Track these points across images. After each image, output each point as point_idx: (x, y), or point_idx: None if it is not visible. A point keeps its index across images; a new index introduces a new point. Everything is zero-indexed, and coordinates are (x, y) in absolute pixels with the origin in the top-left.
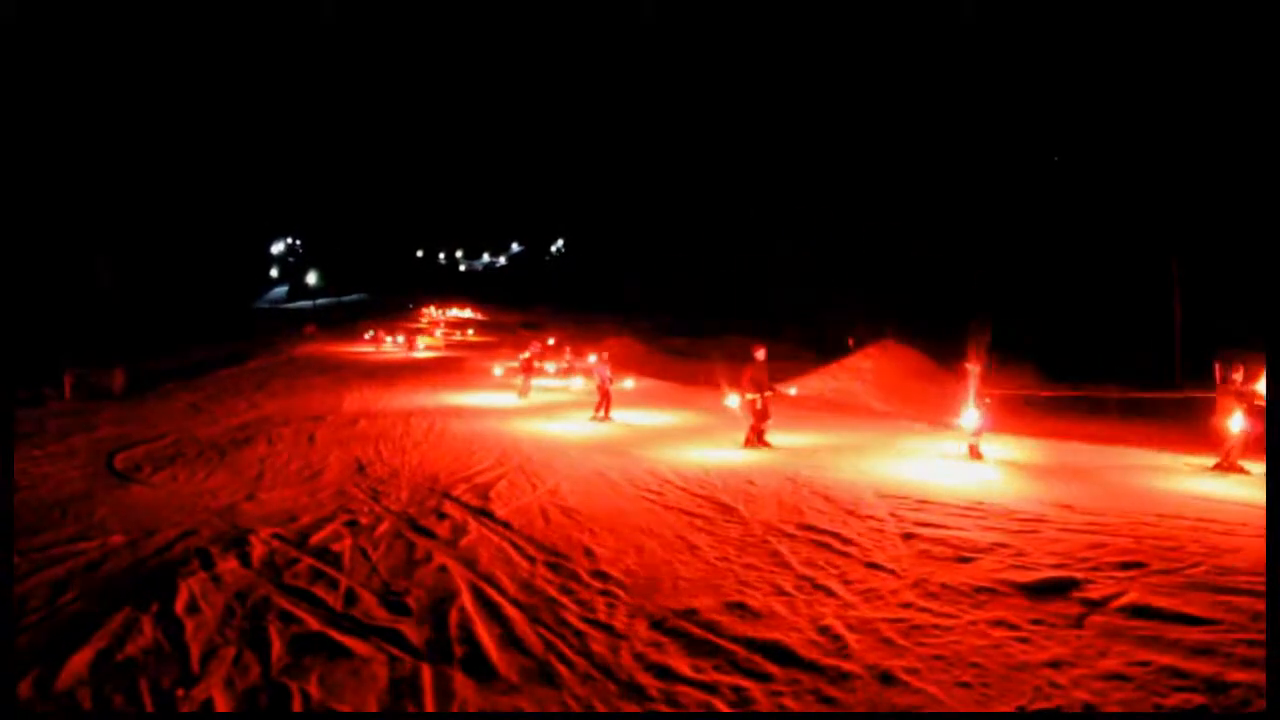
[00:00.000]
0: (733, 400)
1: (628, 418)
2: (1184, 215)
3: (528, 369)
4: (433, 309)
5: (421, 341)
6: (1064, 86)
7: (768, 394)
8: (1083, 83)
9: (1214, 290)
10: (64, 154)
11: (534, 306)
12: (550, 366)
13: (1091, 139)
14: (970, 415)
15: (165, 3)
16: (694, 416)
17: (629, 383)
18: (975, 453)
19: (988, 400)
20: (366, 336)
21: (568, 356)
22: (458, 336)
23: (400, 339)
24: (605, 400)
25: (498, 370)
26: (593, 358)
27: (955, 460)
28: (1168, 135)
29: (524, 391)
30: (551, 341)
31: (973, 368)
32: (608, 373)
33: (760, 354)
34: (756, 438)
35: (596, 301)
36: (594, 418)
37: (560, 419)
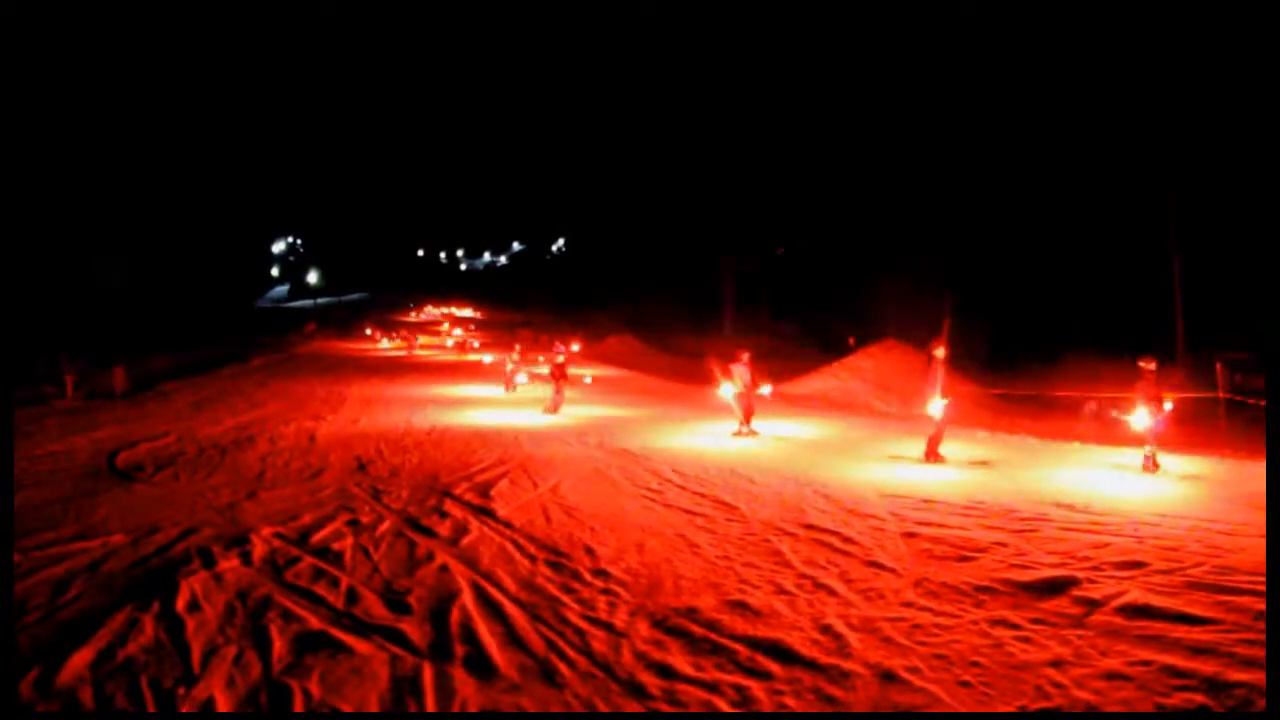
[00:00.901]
0: (728, 391)
1: (624, 415)
2: (1182, 215)
3: (560, 375)
4: (432, 307)
5: (421, 340)
6: (1063, 85)
7: (753, 391)
8: (1082, 82)
9: (1213, 290)
10: (65, 153)
11: (534, 306)
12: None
13: (1091, 139)
14: (1141, 415)
15: (167, 3)
16: (691, 412)
17: (587, 377)
18: (1152, 463)
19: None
20: (366, 334)
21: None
22: (458, 334)
23: (399, 338)
24: (559, 388)
25: (510, 368)
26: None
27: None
28: (1167, 136)
29: (554, 407)
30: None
31: (939, 353)
32: (560, 360)
33: (745, 357)
34: (747, 428)
35: (598, 300)
36: (545, 409)
37: (561, 417)
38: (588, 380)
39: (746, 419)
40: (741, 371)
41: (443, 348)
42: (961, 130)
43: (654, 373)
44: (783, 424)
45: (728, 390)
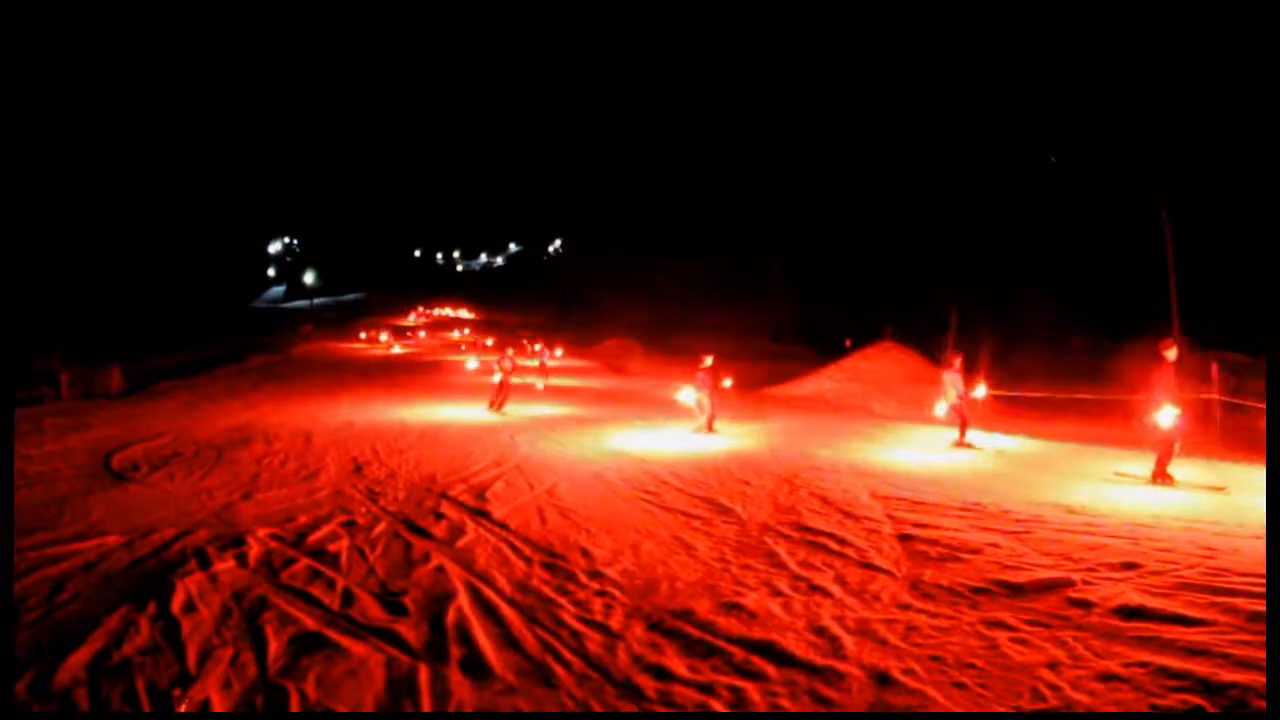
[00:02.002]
0: (688, 395)
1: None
2: (1181, 213)
3: (713, 379)
4: (429, 308)
5: (418, 338)
6: (1063, 85)
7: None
8: (1082, 82)
9: (1212, 289)
10: (61, 152)
11: (532, 307)
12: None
13: (1090, 141)
14: (1166, 414)
15: (166, 3)
16: (688, 414)
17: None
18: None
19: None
20: (361, 336)
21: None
22: (456, 335)
23: (391, 337)
24: (503, 390)
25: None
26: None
27: (947, 455)
28: (1163, 135)
29: (705, 423)
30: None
31: (1170, 354)
32: (511, 364)
33: (709, 360)
34: (709, 425)
35: (595, 301)
36: (490, 408)
37: (556, 421)
38: (540, 387)
39: (709, 423)
40: (704, 377)
41: (439, 348)
42: (960, 129)
43: (644, 375)
44: (780, 425)
45: (688, 395)
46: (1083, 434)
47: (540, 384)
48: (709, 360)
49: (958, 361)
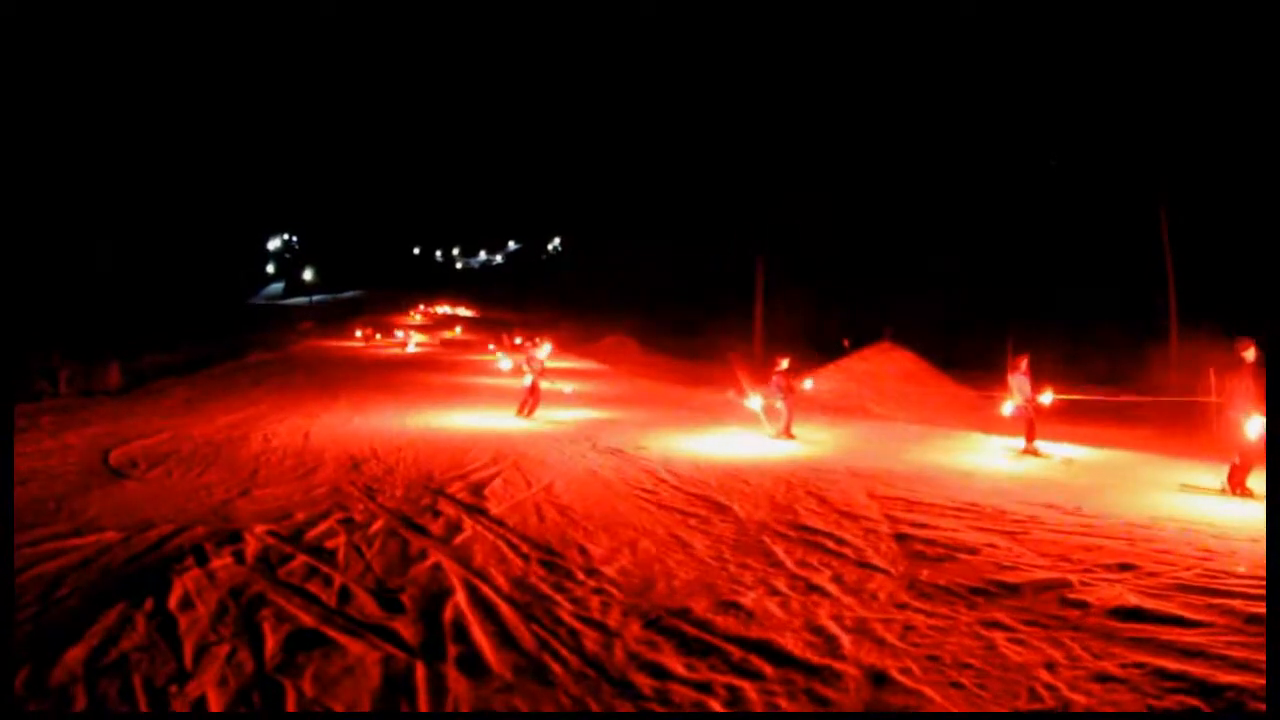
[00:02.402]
0: (757, 402)
1: (618, 417)
2: (1179, 211)
3: (789, 382)
4: (429, 306)
5: (415, 338)
6: (1063, 87)
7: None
8: (1082, 82)
9: (1209, 287)
10: (60, 148)
11: (531, 305)
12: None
13: (1089, 142)
14: (1255, 424)
15: (162, 3)
16: (687, 414)
17: (567, 388)
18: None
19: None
20: (358, 335)
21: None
22: (449, 335)
23: (397, 334)
24: (533, 397)
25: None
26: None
27: (946, 457)
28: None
29: (783, 427)
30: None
31: (1249, 354)
32: (538, 365)
33: (785, 363)
34: (786, 430)
35: (594, 300)
36: (519, 414)
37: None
38: (567, 390)
39: (786, 428)
40: (779, 381)
41: (438, 345)
42: (959, 130)
43: (651, 375)
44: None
45: (756, 401)
46: (1139, 441)
47: (568, 388)
48: (785, 363)
49: (1024, 363)
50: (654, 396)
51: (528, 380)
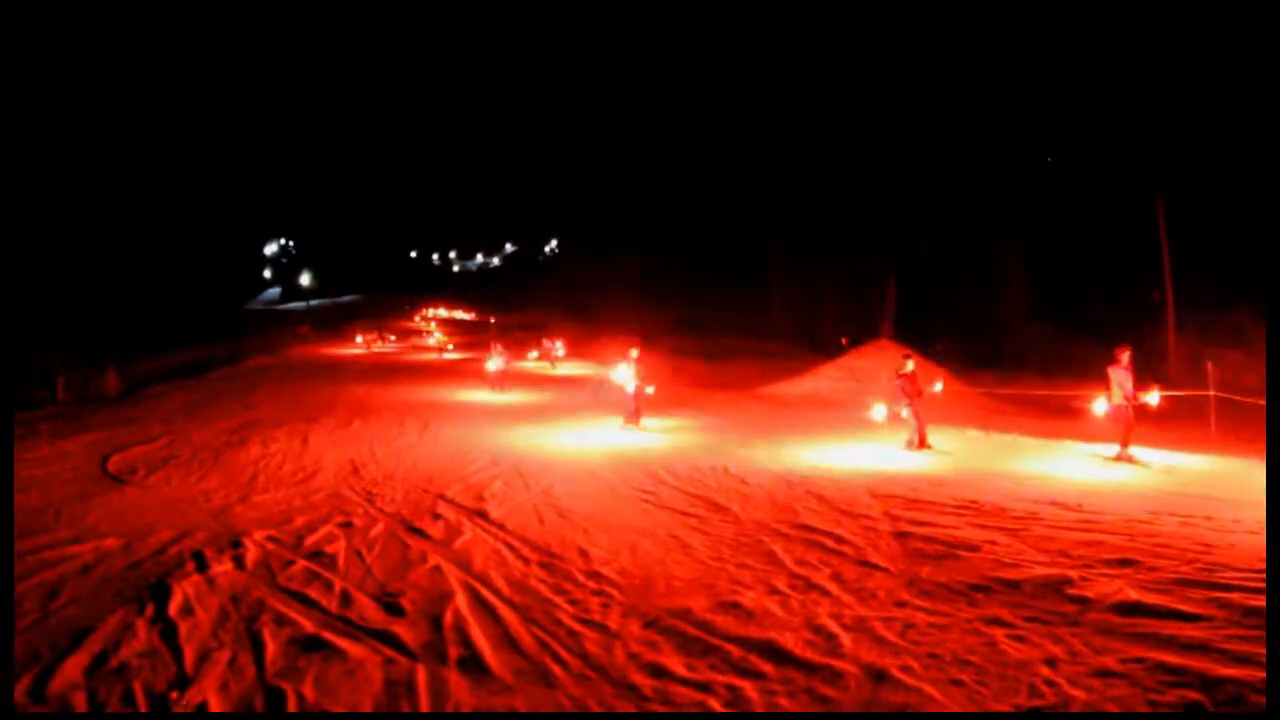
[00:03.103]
0: (879, 412)
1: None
2: (1178, 209)
3: (916, 385)
4: (426, 309)
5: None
6: (1062, 85)
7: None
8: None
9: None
10: (56, 153)
11: (528, 307)
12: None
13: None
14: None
15: (160, 3)
16: (688, 414)
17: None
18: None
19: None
20: (358, 341)
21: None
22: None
23: (392, 338)
24: (638, 400)
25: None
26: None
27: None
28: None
29: (916, 437)
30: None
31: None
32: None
33: (910, 364)
34: (920, 441)
35: (592, 301)
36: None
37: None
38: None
39: (920, 438)
40: (904, 384)
41: (437, 349)
42: (958, 129)
43: (678, 377)
44: (774, 425)
45: (880, 411)
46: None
47: (649, 388)
48: (910, 364)
49: (1125, 356)
50: (710, 400)
51: (631, 388)
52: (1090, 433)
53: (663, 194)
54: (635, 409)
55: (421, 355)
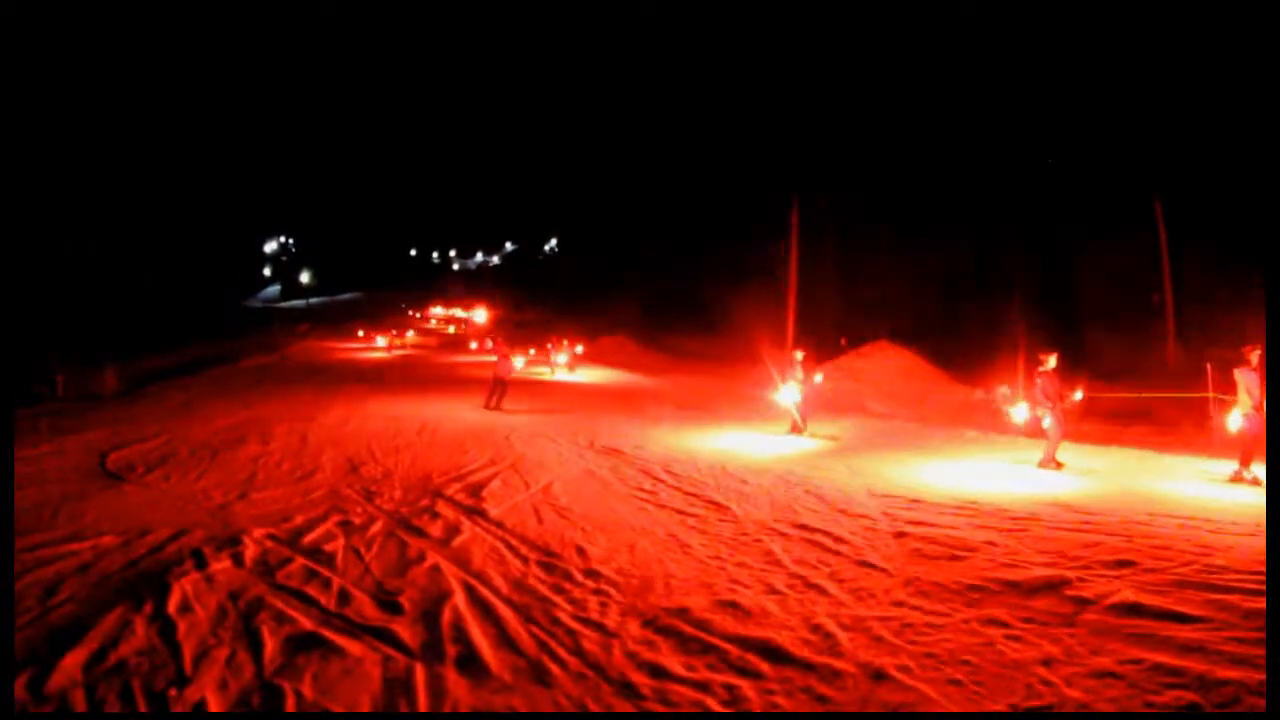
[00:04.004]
0: (1021, 413)
1: (617, 416)
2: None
3: (1056, 394)
4: (427, 307)
5: (413, 338)
6: (1063, 84)
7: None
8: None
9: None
10: (55, 151)
11: (528, 305)
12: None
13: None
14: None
15: (160, 3)
16: (687, 414)
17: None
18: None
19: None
20: (359, 335)
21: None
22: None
23: (390, 337)
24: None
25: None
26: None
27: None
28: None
29: (1050, 454)
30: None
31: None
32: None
33: (1051, 361)
34: (1052, 459)
35: (591, 299)
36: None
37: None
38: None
39: (1052, 455)
40: (1045, 385)
41: (436, 347)
42: (957, 129)
43: (650, 372)
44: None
45: (1023, 411)
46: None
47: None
48: (1051, 361)
49: (1256, 355)
50: (653, 394)
51: (792, 400)
52: (1183, 444)
53: (662, 195)
54: (802, 416)
55: (451, 356)
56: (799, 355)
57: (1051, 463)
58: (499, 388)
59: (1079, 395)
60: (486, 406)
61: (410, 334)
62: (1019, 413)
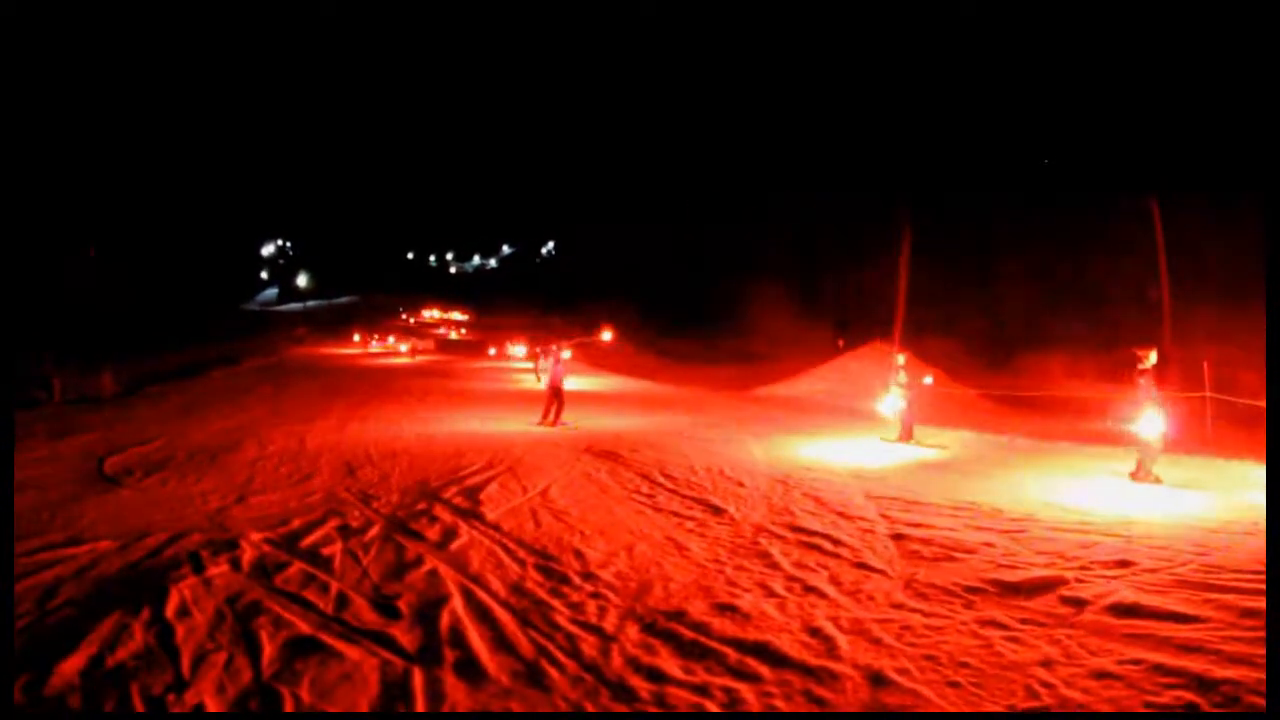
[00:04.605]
0: (893, 405)
1: (621, 420)
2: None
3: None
4: (423, 310)
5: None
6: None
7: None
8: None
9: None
10: (53, 153)
11: (524, 309)
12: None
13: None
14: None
15: (157, 4)
16: (685, 413)
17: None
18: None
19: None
20: (355, 340)
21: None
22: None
23: (390, 340)
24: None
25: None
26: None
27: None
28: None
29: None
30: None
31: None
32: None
33: (1153, 356)
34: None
35: (588, 303)
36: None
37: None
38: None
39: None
40: (1148, 385)
41: (434, 351)
42: (956, 129)
43: (646, 375)
44: (770, 425)
45: (891, 403)
46: None
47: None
48: (1151, 357)
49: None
50: (651, 398)
51: (901, 404)
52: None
53: (659, 195)
54: (908, 425)
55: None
56: (901, 358)
57: (1146, 475)
58: (556, 399)
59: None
60: (543, 422)
61: (404, 345)
62: (1150, 425)
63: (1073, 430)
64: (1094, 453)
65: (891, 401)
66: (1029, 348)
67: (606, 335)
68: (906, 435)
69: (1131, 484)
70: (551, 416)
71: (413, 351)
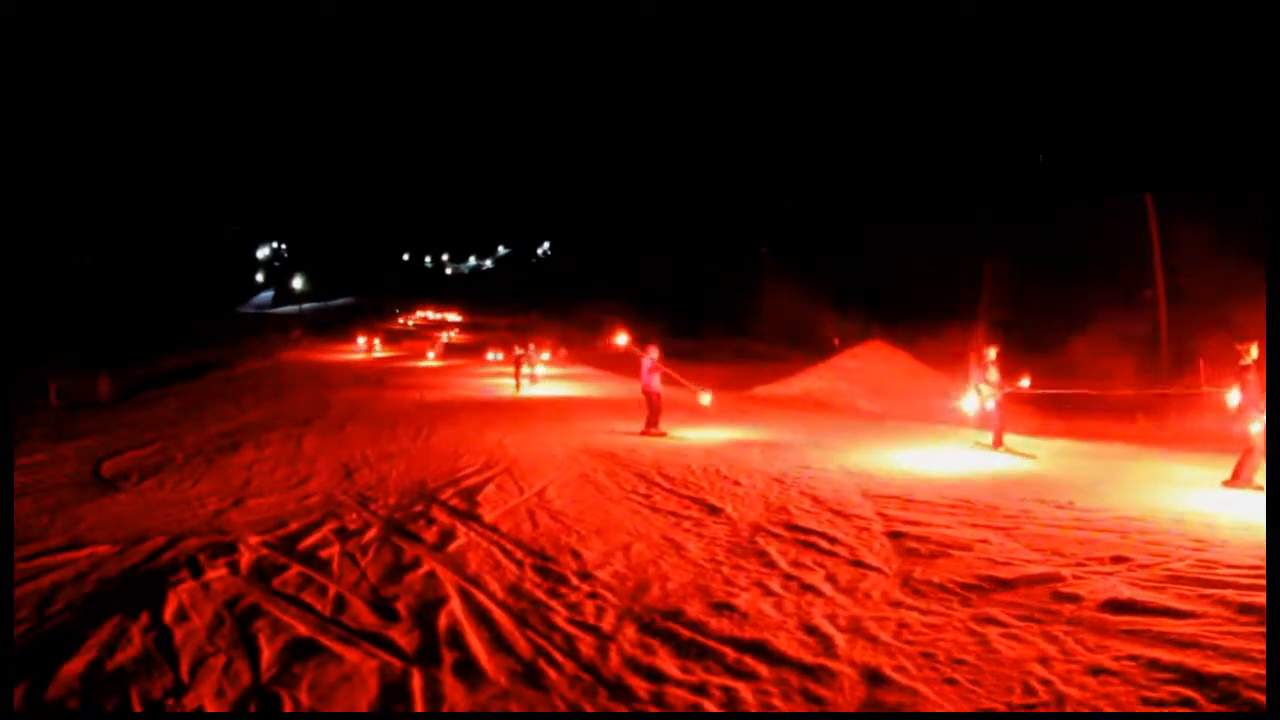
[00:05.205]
0: (972, 404)
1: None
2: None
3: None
4: (419, 310)
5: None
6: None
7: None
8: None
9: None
10: (47, 156)
11: (522, 309)
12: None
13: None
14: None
15: (153, 6)
16: (684, 413)
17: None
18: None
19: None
20: (359, 343)
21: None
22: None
23: (383, 341)
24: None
25: None
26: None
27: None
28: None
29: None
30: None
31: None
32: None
33: (1255, 350)
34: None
35: (584, 303)
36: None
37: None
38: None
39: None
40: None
41: (432, 353)
42: (955, 128)
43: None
44: (768, 425)
45: (973, 402)
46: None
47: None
48: (1255, 350)
49: (992, 351)
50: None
51: (991, 403)
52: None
53: (658, 196)
54: (999, 432)
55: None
56: (992, 353)
57: (1244, 481)
58: (654, 406)
59: (1025, 383)
60: (646, 433)
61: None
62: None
63: (1158, 434)
64: (1184, 458)
65: (973, 401)
66: (1057, 345)
67: (622, 339)
68: (998, 442)
69: (1225, 491)
70: (657, 425)
71: (439, 354)
